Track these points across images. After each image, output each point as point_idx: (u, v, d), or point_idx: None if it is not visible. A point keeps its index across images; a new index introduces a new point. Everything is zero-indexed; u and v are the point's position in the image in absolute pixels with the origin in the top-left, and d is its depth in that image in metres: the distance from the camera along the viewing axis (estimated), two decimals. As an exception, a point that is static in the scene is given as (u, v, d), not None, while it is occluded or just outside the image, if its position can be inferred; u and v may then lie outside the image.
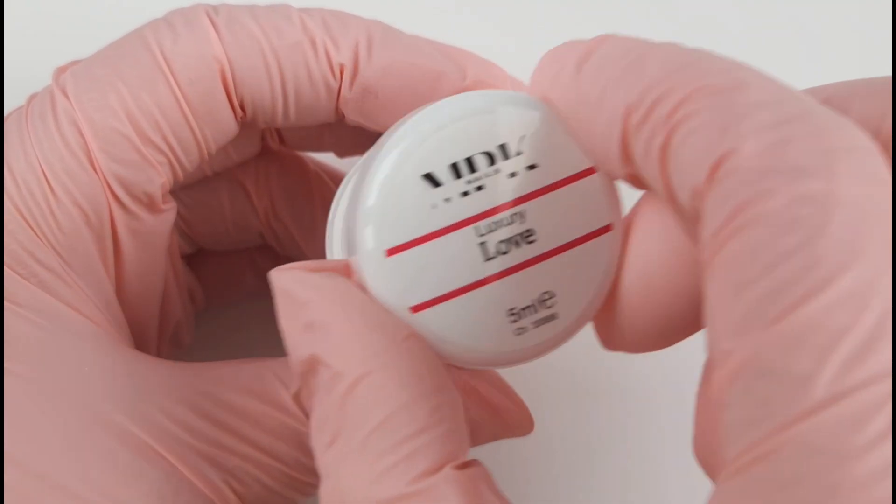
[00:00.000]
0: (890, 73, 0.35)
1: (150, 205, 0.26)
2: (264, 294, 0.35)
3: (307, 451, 0.25)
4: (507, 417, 0.26)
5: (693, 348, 0.34)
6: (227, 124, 0.26)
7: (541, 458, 0.35)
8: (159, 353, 0.30)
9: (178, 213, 0.30)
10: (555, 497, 0.35)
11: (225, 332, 0.35)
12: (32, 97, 0.26)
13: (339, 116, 0.26)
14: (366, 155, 0.23)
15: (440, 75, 0.26)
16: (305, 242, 0.31)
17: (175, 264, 0.30)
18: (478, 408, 0.25)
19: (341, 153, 0.31)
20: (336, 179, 0.32)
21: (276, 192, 0.31)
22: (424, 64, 0.26)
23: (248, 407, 0.24)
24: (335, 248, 0.25)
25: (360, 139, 0.30)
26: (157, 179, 0.25)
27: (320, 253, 0.30)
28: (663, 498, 0.35)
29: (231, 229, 0.31)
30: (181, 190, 0.30)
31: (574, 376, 0.35)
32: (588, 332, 0.35)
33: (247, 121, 0.26)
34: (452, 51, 0.27)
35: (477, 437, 0.26)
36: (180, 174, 0.26)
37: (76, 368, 0.24)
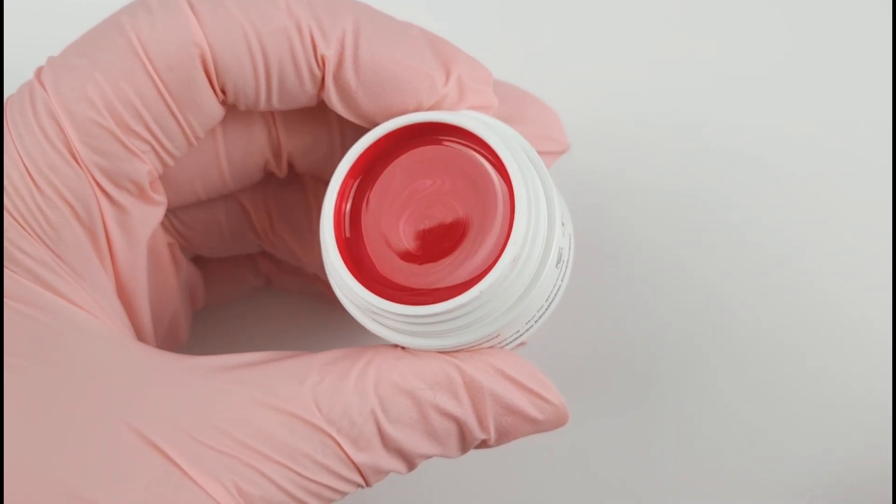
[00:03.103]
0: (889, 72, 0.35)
1: (140, 194, 0.26)
2: (262, 292, 0.35)
3: (322, 449, 0.24)
4: (536, 405, 0.26)
5: (694, 351, 0.35)
6: (212, 109, 0.25)
7: (543, 456, 0.35)
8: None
9: (176, 230, 0.30)
10: (556, 494, 0.35)
11: (222, 329, 0.35)
12: (11, 98, 0.25)
13: (320, 102, 0.26)
14: None
15: (424, 76, 0.25)
16: (303, 253, 0.31)
17: (177, 260, 0.30)
18: (496, 391, 0.25)
19: None
20: None
21: (273, 206, 0.31)
22: (408, 63, 0.25)
23: (258, 414, 0.24)
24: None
25: None
26: (142, 167, 0.25)
27: (318, 262, 0.30)
28: (665, 496, 0.35)
29: (229, 243, 0.31)
30: (177, 209, 0.30)
31: (574, 371, 0.35)
32: (597, 328, 0.35)
33: (228, 104, 0.26)
34: (442, 46, 0.26)
35: (511, 434, 0.26)
36: (168, 160, 0.26)
37: (78, 363, 0.24)
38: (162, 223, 0.29)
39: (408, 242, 0.25)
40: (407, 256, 0.25)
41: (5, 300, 0.24)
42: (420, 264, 0.25)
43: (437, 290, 0.24)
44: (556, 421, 0.26)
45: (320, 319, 0.35)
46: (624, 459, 0.35)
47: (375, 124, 0.26)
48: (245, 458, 0.23)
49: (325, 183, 0.30)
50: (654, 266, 0.35)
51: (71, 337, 0.24)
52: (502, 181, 0.24)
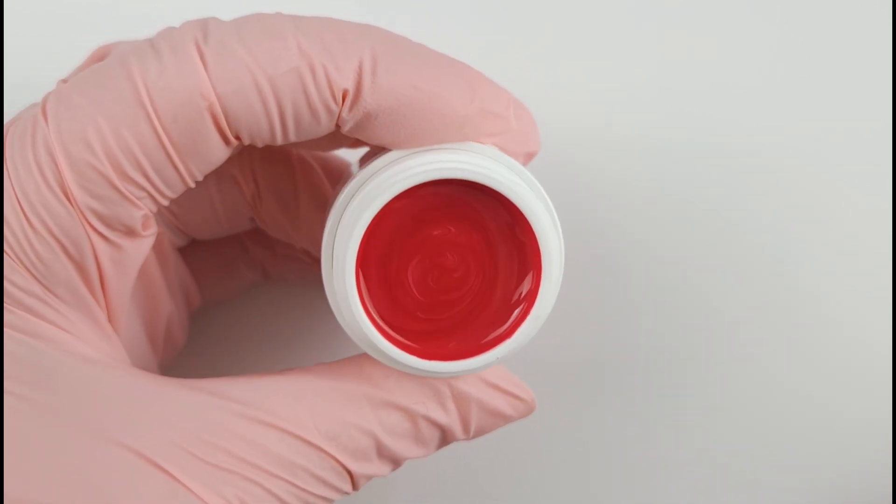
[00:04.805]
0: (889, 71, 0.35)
1: (130, 234, 0.25)
2: (256, 289, 0.35)
3: (320, 464, 0.25)
4: (512, 405, 0.27)
5: (693, 353, 0.35)
6: (215, 154, 0.25)
7: (539, 454, 0.35)
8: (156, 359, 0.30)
9: (169, 210, 0.30)
10: (554, 493, 0.35)
11: (219, 330, 0.35)
12: (12, 121, 0.25)
13: (336, 130, 0.26)
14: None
15: (446, 102, 0.25)
16: (292, 227, 0.31)
17: (166, 263, 0.30)
18: (481, 399, 0.26)
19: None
20: (319, 161, 0.31)
21: (261, 178, 0.31)
22: (429, 88, 0.24)
23: (257, 432, 0.24)
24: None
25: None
26: (137, 213, 0.25)
27: (307, 236, 0.31)
28: (664, 495, 0.35)
29: (222, 217, 0.31)
30: None
31: (572, 370, 0.35)
32: (596, 329, 0.35)
33: (243, 145, 0.25)
34: (461, 70, 0.25)
35: (486, 431, 0.27)
36: (162, 202, 0.25)
37: (73, 387, 0.24)
38: None
39: (417, 291, 0.25)
40: (416, 305, 0.25)
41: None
42: (427, 315, 0.25)
43: (448, 349, 0.25)
44: (525, 413, 0.27)
45: (319, 318, 0.35)
46: (623, 460, 0.35)
47: (397, 148, 0.26)
48: (247, 473, 0.24)
49: (313, 157, 0.31)
50: (651, 268, 0.35)
51: (64, 362, 0.24)
52: (519, 238, 0.25)
